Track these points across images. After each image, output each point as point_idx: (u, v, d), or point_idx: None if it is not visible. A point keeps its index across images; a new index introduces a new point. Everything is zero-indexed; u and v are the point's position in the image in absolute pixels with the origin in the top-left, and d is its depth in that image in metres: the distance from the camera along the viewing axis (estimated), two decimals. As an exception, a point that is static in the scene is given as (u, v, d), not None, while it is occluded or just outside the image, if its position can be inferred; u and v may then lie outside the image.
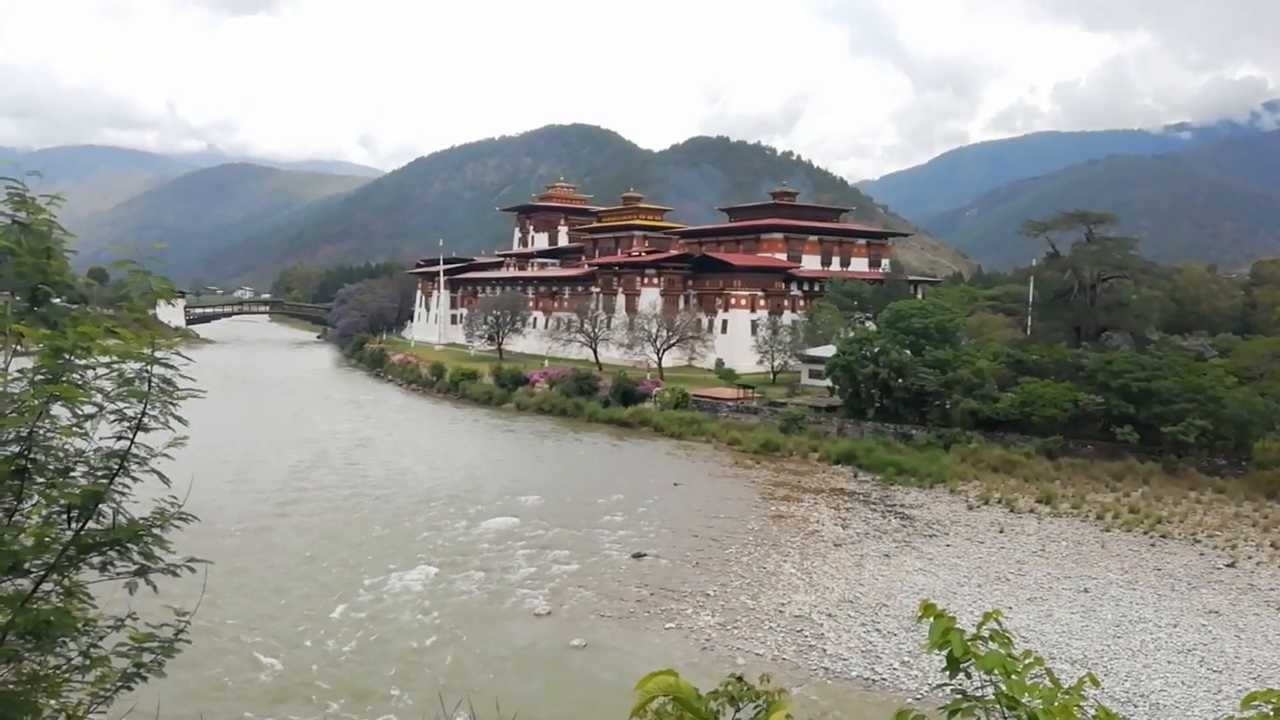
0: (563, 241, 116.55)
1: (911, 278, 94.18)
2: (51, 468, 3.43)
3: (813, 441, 47.73)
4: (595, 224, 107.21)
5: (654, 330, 71.56)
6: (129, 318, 3.95)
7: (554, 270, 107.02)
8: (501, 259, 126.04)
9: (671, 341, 71.97)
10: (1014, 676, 2.60)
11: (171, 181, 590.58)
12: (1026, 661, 2.67)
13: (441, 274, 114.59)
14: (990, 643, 2.69)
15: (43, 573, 3.37)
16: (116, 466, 3.50)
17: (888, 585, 26.74)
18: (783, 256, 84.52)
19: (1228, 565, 29.09)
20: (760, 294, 79.97)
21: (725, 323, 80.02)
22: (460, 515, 34.30)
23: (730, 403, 55.88)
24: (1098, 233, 59.65)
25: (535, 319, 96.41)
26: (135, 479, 3.58)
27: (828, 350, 55.46)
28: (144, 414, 3.52)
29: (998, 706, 2.59)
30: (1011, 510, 35.95)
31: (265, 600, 24.37)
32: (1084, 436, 42.41)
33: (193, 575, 3.84)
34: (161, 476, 3.67)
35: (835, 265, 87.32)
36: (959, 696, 2.67)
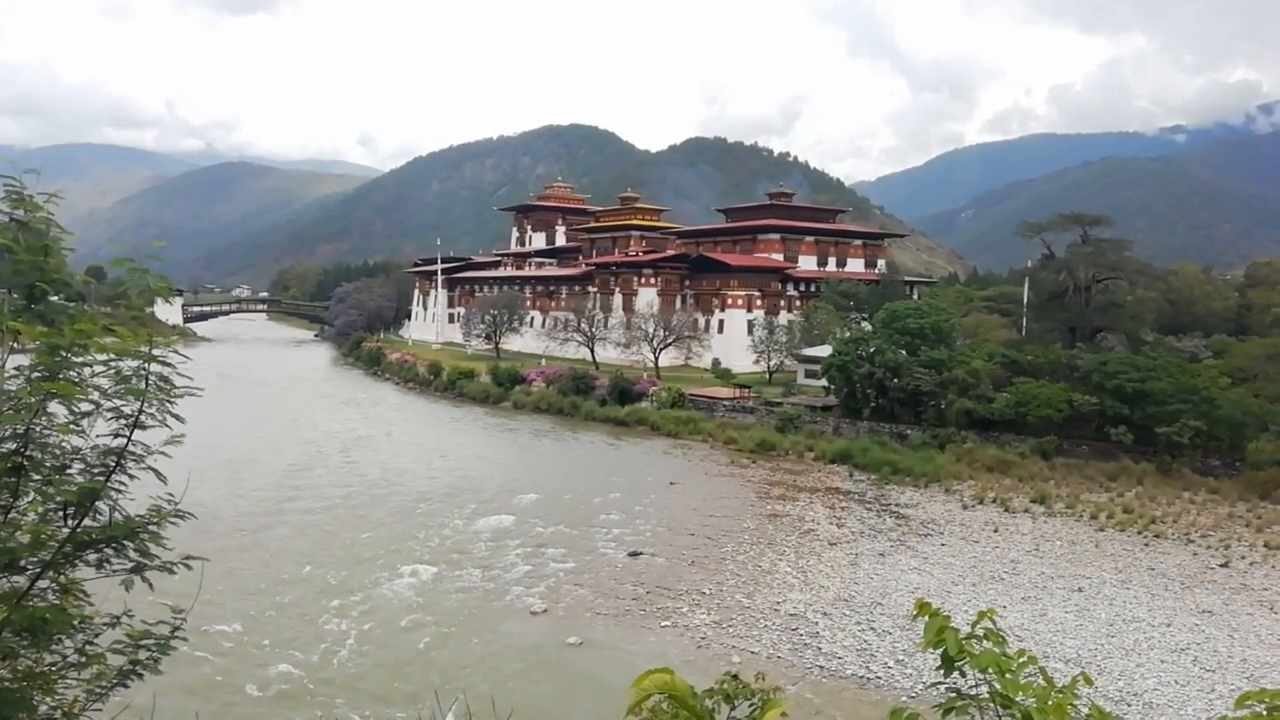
0: (560, 241, 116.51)
1: (907, 278, 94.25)
2: (48, 465, 3.43)
3: (808, 441, 47.78)
4: (593, 224, 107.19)
5: (651, 330, 71.59)
6: (126, 315, 3.94)
7: (551, 270, 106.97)
8: (499, 258, 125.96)
9: (668, 341, 71.99)
10: (1008, 675, 2.61)
11: (170, 180, 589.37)
12: (1020, 660, 2.68)
13: (439, 273, 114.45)
14: (985, 641, 2.70)
15: (39, 570, 3.37)
16: (113, 464, 3.50)
17: (883, 584, 26.78)
18: (779, 257, 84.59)
19: (1221, 565, 29.19)
20: (757, 294, 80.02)
21: (722, 322, 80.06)
22: (457, 514, 34.29)
23: (726, 402, 55.91)
24: (1093, 234, 59.77)
25: (532, 318, 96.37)
26: (132, 476, 3.58)
27: (824, 350, 55.51)
28: (141, 412, 3.52)
29: (992, 705, 2.60)
30: (1006, 510, 36.01)
31: (261, 598, 24.33)
32: (1078, 437, 42.49)
33: (189, 573, 3.84)
34: (158, 474, 3.67)
35: (831, 266, 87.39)
36: (953, 695, 2.68)
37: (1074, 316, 57.94)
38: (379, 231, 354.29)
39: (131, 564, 3.59)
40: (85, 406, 3.45)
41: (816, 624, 23.45)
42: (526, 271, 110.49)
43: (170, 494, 3.78)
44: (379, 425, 57.87)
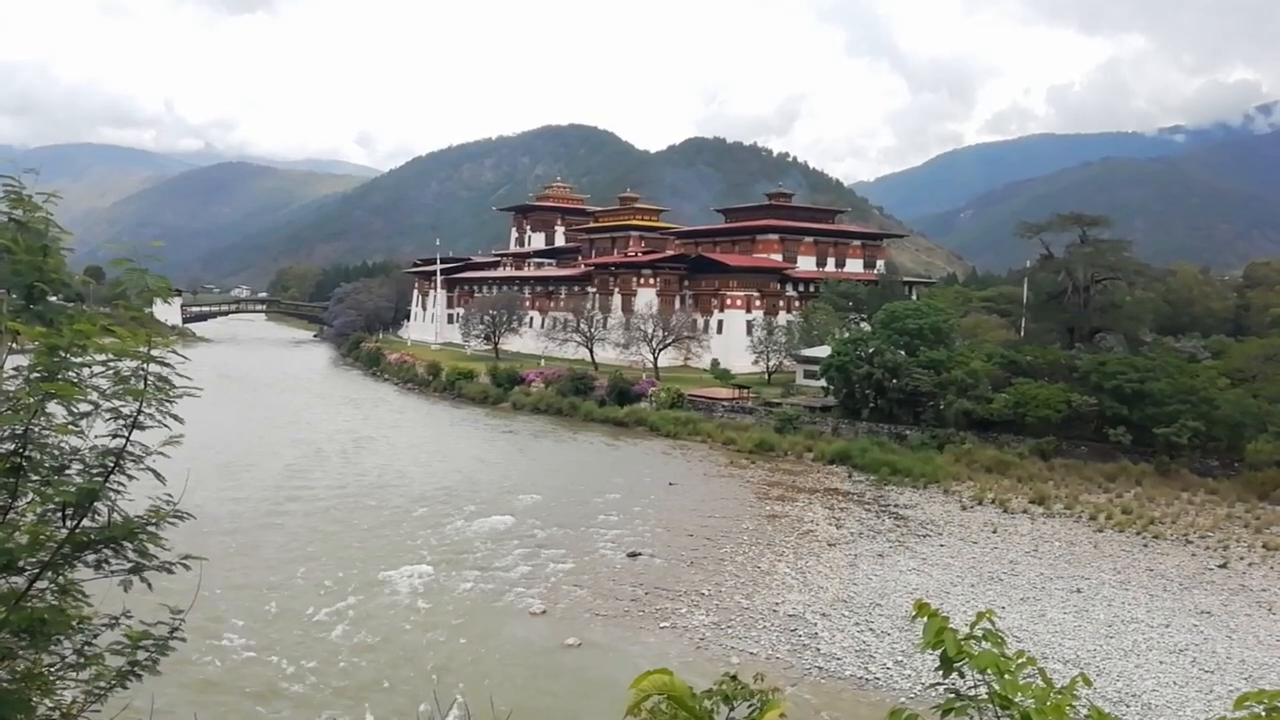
0: (559, 241, 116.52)
1: (906, 279, 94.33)
2: (47, 465, 3.42)
3: (807, 441, 47.79)
4: (592, 224, 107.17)
5: (650, 330, 71.60)
6: (125, 316, 3.94)
7: (550, 270, 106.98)
8: (498, 259, 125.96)
9: (667, 341, 72.00)
10: (1007, 676, 2.61)
11: (169, 180, 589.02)
12: (1019, 661, 2.68)
13: (438, 273, 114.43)
14: (983, 642, 2.70)
15: (37, 570, 3.37)
16: (112, 464, 3.50)
17: (881, 585, 26.79)
18: (778, 257, 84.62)
19: (1219, 566, 29.20)
20: (756, 294, 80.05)
21: (721, 323, 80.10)
22: (456, 514, 34.27)
23: (725, 403, 55.92)
24: (1092, 235, 59.84)
25: (532, 319, 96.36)
26: (131, 477, 3.57)
27: (823, 351, 55.54)
28: (140, 412, 3.52)
29: (991, 706, 2.60)
30: (1005, 511, 36.03)
31: (260, 598, 24.32)
32: (1077, 437, 42.52)
33: (187, 573, 3.83)
34: (157, 475, 3.67)
35: (830, 266, 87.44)
36: (952, 696, 2.68)
37: (1073, 317, 58.00)
38: (378, 232, 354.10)
39: (130, 565, 3.59)
40: (84, 407, 3.44)
41: (815, 625, 23.45)
42: (525, 272, 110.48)
43: (169, 494, 3.78)
44: (378, 426, 57.85)
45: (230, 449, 43.69)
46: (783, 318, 76.38)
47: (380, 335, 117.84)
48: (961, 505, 37.03)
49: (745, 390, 57.74)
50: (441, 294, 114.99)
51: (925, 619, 2.77)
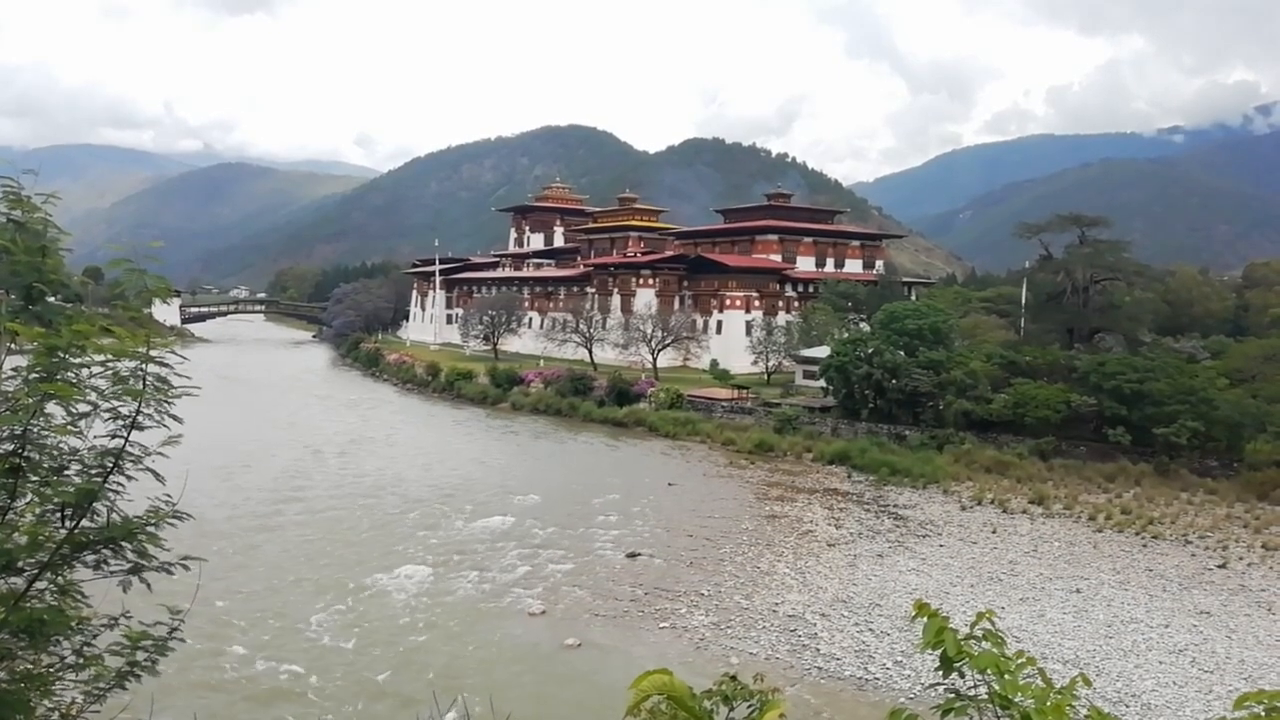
0: (558, 242, 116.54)
1: (905, 279, 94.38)
2: (46, 466, 3.42)
3: (807, 442, 47.79)
4: (591, 224, 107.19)
5: (649, 331, 71.60)
6: (124, 316, 3.94)
7: (550, 270, 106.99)
8: (497, 259, 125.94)
9: (666, 342, 72.01)
10: (1007, 676, 2.61)
11: (168, 181, 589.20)
12: (1019, 661, 2.68)
13: (437, 274, 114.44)
14: (983, 642, 2.70)
15: (36, 571, 3.37)
16: (111, 465, 3.49)
17: (881, 585, 26.79)
18: (777, 258, 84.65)
19: (1219, 566, 29.21)
20: (755, 295, 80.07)
21: (720, 323, 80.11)
22: (455, 515, 34.27)
23: (725, 403, 55.91)
24: (1091, 235, 59.82)
25: (531, 319, 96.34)
26: (129, 477, 3.57)
27: (822, 351, 55.55)
28: (138, 412, 3.51)
29: (990, 706, 2.60)
30: (1004, 511, 36.04)
31: (259, 599, 24.31)
32: (1076, 438, 42.53)
33: (187, 574, 3.83)
34: (156, 475, 3.67)
35: (830, 267, 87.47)
36: (952, 696, 2.68)
37: (1072, 317, 57.99)
38: (377, 232, 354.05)
39: (129, 565, 3.59)
40: (83, 407, 3.44)
41: (815, 625, 23.45)
42: (525, 272, 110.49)
43: (168, 495, 3.77)
44: (377, 427, 57.83)
45: (229, 450, 43.65)
46: (782, 318, 76.40)
47: (379, 336, 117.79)
48: (961, 505, 37.04)
49: (744, 391, 57.74)
50: (440, 294, 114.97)
51: (925, 619, 2.77)
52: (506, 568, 28.00)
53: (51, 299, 3.62)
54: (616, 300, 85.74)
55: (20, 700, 3.35)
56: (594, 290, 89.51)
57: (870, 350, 47.79)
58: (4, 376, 3.43)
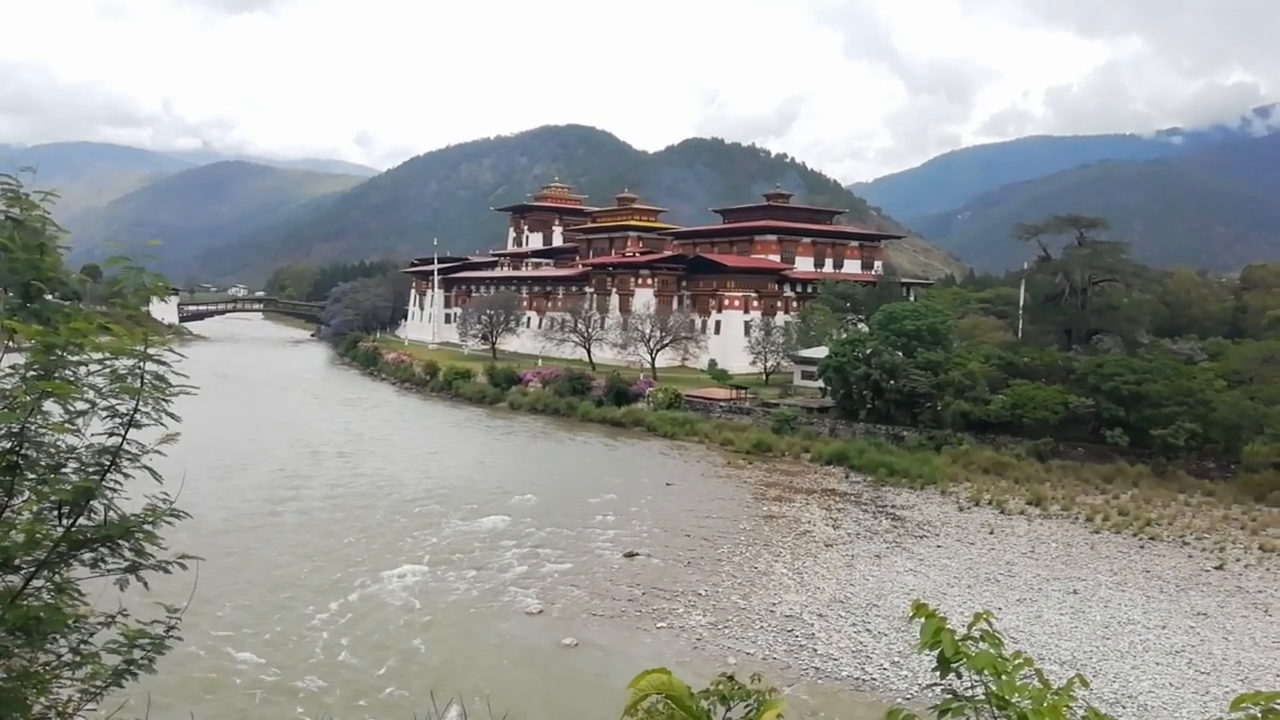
0: (557, 242, 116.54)
1: (904, 280, 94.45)
2: (43, 464, 3.41)
3: (805, 442, 47.81)
4: (590, 224, 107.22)
5: (647, 330, 71.63)
6: (122, 314, 3.93)
7: (548, 270, 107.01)
8: (496, 259, 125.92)
9: (665, 342, 72.03)
10: (1004, 677, 2.61)
11: (166, 179, 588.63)
12: (1016, 662, 2.69)
13: (436, 273, 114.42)
14: (981, 643, 2.71)
15: (33, 569, 3.36)
16: (108, 463, 3.49)
17: (878, 586, 26.81)
18: (776, 258, 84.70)
19: (1216, 568, 29.24)
20: (753, 295, 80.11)
21: (719, 323, 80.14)
22: (453, 514, 34.25)
23: (723, 403, 55.94)
24: (1089, 237, 59.90)
25: (529, 319, 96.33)
26: (127, 475, 3.56)
27: (820, 351, 55.58)
28: (136, 410, 3.51)
29: (987, 706, 2.61)
30: (1002, 512, 36.07)
31: (257, 598, 24.29)
32: (1074, 439, 42.57)
33: (184, 572, 3.83)
34: (153, 473, 3.66)
35: (828, 267, 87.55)
36: (949, 696, 2.68)
37: (1070, 318, 58.06)
38: (376, 231, 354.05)
39: (126, 563, 3.58)
40: (80, 405, 3.44)
41: (812, 625, 23.46)
42: (523, 272, 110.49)
43: (165, 493, 3.77)
44: (375, 426, 57.80)
45: (227, 449, 43.61)
46: (780, 318, 76.45)
47: (378, 335, 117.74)
48: (959, 506, 37.07)
49: (743, 391, 57.75)
50: (439, 294, 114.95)
51: (922, 619, 2.77)
52: (504, 567, 28.00)
53: (49, 296, 3.61)
54: (615, 300, 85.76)
55: (17, 698, 3.34)
56: (592, 290, 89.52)
57: (868, 351, 47.82)
58: (2, 374, 3.43)
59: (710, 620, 23.81)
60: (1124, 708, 19.24)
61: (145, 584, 3.63)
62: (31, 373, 3.38)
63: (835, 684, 20.23)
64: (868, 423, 47.86)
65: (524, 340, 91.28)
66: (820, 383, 52.55)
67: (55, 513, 3.42)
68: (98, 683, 3.61)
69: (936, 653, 2.68)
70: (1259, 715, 2.51)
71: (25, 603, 3.34)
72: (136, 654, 3.71)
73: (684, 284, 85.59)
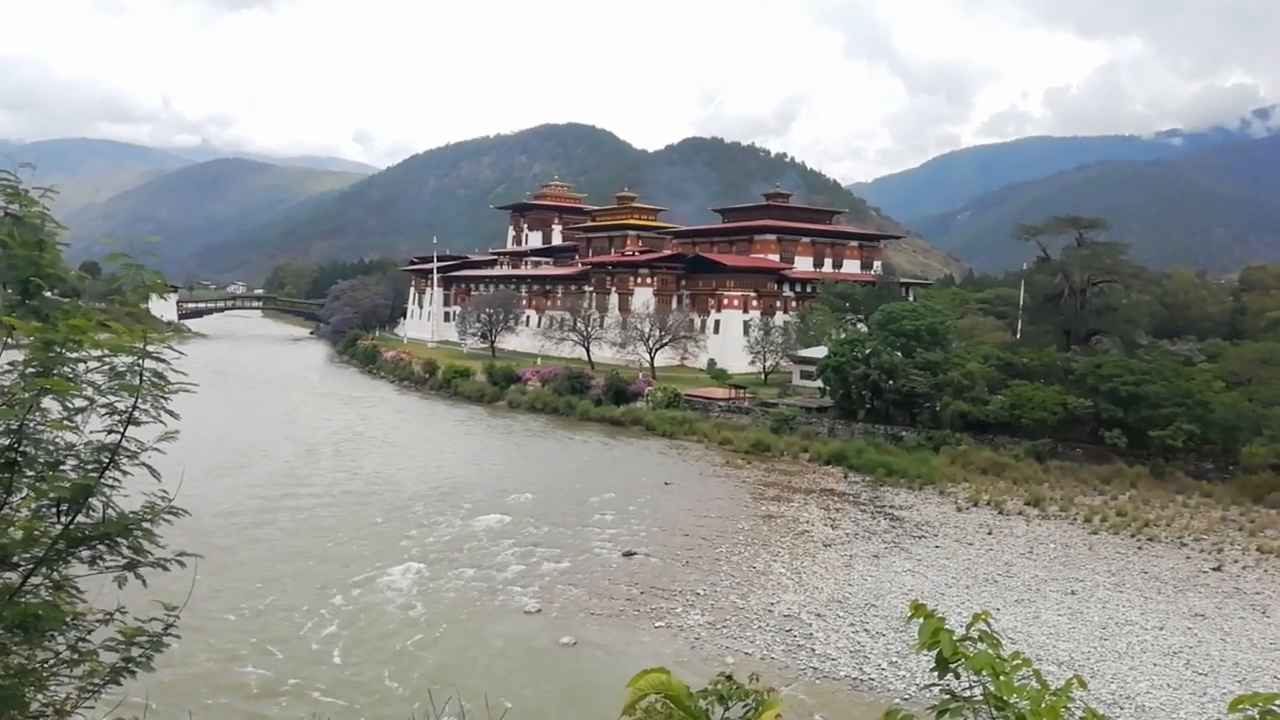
0: (557, 240, 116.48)
1: (903, 280, 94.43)
2: (41, 461, 3.41)
3: (803, 442, 47.81)
4: (589, 223, 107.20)
5: (647, 330, 71.60)
6: (121, 311, 3.93)
7: (548, 269, 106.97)
8: (495, 257, 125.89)
9: (664, 341, 72.02)
10: (1002, 677, 2.61)
11: (165, 176, 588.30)
12: (1014, 662, 2.69)
13: (435, 271, 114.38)
14: (979, 643, 2.71)
15: (31, 566, 3.36)
16: (107, 460, 3.49)
17: (876, 586, 26.81)
18: (775, 258, 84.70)
19: (1214, 569, 29.26)
20: (753, 294, 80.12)
21: (718, 323, 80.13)
22: (451, 513, 34.24)
23: (722, 403, 55.93)
24: (1088, 237, 59.92)
25: (528, 317, 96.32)
26: (125, 473, 3.56)
27: (819, 351, 55.58)
28: (135, 408, 3.51)
29: (985, 707, 2.61)
30: (1000, 512, 36.08)
31: (254, 596, 24.28)
32: (1073, 440, 42.58)
33: (182, 570, 3.83)
34: (152, 471, 3.66)
35: (827, 267, 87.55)
36: (947, 697, 2.68)
37: (1069, 319, 58.08)
38: (375, 229, 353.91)
39: (125, 561, 3.58)
40: (79, 402, 3.44)
41: (810, 625, 23.46)
42: (522, 270, 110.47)
43: (164, 491, 3.76)
44: (373, 424, 57.77)
45: (225, 446, 43.59)
46: (780, 318, 76.47)
47: (377, 333, 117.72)
48: (957, 507, 37.07)
49: (741, 390, 57.75)
50: (438, 292, 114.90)
51: (921, 620, 2.77)
52: (502, 566, 27.99)
53: (48, 293, 3.61)
54: (614, 299, 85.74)
55: (15, 695, 3.34)
56: (592, 289, 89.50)
57: (867, 351, 47.81)
58: (1, 370, 3.42)
59: (708, 619, 23.80)
60: (1122, 709, 19.25)
61: (144, 581, 3.63)
62: (30, 369, 3.38)
63: (833, 684, 20.23)
64: (866, 423, 47.86)
65: (523, 339, 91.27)
66: (819, 382, 52.55)
67: (54, 510, 3.42)
68: (96, 680, 3.61)
69: (935, 653, 2.68)
70: (1257, 717, 2.51)
71: (23, 600, 3.34)
72: (135, 652, 3.71)
73: (683, 283, 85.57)
